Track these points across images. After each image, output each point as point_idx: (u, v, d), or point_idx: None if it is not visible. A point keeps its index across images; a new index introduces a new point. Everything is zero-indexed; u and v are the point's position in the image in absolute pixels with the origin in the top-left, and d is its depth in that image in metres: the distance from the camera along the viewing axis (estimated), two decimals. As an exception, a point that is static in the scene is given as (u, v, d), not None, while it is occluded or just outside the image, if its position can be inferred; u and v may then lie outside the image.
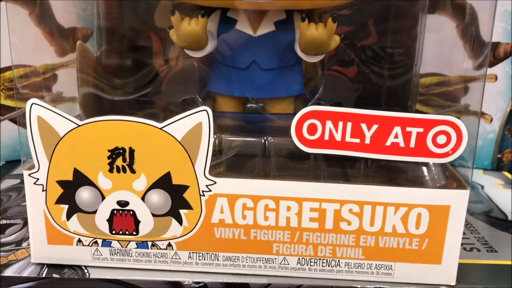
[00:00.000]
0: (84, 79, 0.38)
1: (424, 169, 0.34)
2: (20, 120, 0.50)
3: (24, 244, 0.37)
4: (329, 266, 0.33)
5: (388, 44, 0.52)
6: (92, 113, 0.40)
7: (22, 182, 0.47)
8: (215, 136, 0.34)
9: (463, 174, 0.35)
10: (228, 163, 0.33)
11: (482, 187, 0.51)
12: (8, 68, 0.51)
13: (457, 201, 0.31)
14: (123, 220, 0.32)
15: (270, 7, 0.37)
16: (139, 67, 0.49)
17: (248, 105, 0.45)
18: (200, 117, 0.30)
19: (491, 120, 0.55)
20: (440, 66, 0.52)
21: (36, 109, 0.30)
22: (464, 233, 0.42)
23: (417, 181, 0.33)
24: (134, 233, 0.33)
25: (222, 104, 0.43)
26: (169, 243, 0.34)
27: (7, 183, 0.46)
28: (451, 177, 0.33)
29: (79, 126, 0.31)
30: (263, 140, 0.35)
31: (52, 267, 0.35)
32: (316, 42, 0.37)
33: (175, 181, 0.31)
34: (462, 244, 0.36)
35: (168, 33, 0.43)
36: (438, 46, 0.51)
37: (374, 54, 0.52)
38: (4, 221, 0.38)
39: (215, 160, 0.32)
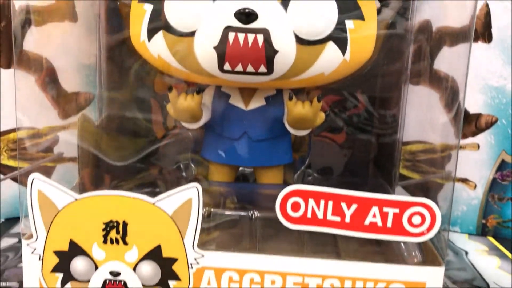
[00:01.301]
0: (84, 149, 0.40)
1: (402, 245, 0.36)
2: (21, 179, 0.52)
3: (19, 308, 0.38)
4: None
5: (375, 113, 0.54)
6: (91, 182, 0.42)
7: (20, 241, 0.49)
8: (205, 210, 0.36)
9: (440, 246, 0.37)
10: (216, 236, 0.35)
11: (467, 253, 0.53)
12: (12, 130, 0.53)
13: (432, 277, 0.33)
14: (115, 288, 0.34)
15: (261, 85, 0.40)
16: (138, 132, 0.51)
17: (240, 169, 0.48)
18: (190, 194, 0.32)
19: (475, 187, 0.57)
20: (426, 134, 0.54)
21: (37, 183, 0.32)
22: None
23: (394, 258, 0.35)
24: (125, 301, 0.35)
25: (215, 170, 0.45)
26: (159, 311, 0.35)
27: (6, 241, 0.47)
28: (427, 252, 0.35)
29: (76, 200, 0.33)
30: (250, 214, 0.37)
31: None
32: (302, 119, 0.40)
33: (165, 253, 0.33)
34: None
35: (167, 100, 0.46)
36: (424, 115, 0.54)
37: (361, 123, 0.55)
38: (1, 283, 0.39)
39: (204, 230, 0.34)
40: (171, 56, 0.38)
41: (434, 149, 0.53)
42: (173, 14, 0.36)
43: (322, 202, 0.32)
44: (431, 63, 0.51)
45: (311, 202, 0.32)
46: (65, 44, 0.49)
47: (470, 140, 0.56)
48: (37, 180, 0.32)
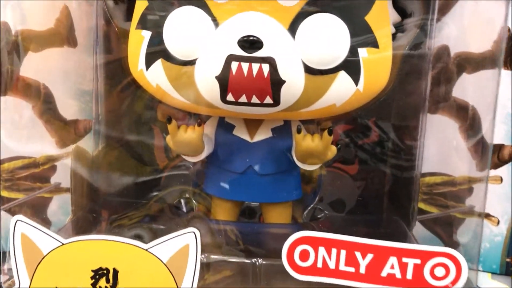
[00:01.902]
0: (78, 185, 0.38)
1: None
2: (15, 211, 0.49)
3: None
4: None
5: (390, 143, 0.51)
6: (84, 220, 0.39)
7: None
8: (203, 256, 0.33)
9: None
10: (216, 281, 0.32)
11: (490, 294, 0.49)
12: (8, 160, 0.51)
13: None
14: None
15: (267, 117, 0.37)
16: (139, 162, 0.48)
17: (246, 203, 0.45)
18: (187, 239, 0.29)
19: (498, 223, 0.53)
20: (443, 165, 0.51)
21: (21, 226, 0.30)
22: None
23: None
24: None
25: (218, 206, 0.42)
26: None
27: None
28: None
29: (63, 244, 0.30)
30: (254, 261, 0.34)
31: None
32: (311, 153, 0.37)
33: (160, 304, 0.30)
34: None
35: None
36: (442, 145, 0.50)
37: (375, 153, 0.51)
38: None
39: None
40: (170, 86, 0.35)
41: (454, 181, 0.50)
42: (172, 41, 0.34)
43: (334, 251, 0.28)
44: (450, 90, 0.48)
45: (322, 250, 0.29)
46: (64, 69, 0.47)
47: (492, 172, 0.53)
48: (20, 222, 0.29)
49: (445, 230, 0.52)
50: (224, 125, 0.40)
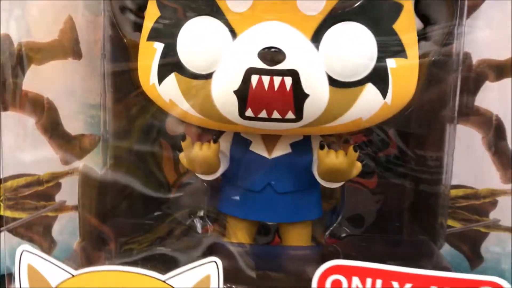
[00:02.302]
0: (86, 206, 0.35)
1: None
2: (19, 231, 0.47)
3: None
4: None
5: (411, 154, 0.49)
6: (93, 244, 0.37)
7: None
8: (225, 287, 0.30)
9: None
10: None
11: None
12: (11, 177, 0.48)
13: None
14: None
15: (288, 132, 0.35)
16: (148, 180, 0.46)
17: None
18: (208, 269, 0.27)
19: (524, 237, 0.51)
20: (466, 178, 0.48)
21: (27, 257, 0.27)
22: None
23: None
24: None
25: (234, 226, 0.40)
26: None
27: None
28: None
29: (73, 276, 0.27)
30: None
31: None
32: (336, 171, 0.34)
33: None
34: None
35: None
36: (463, 157, 0.48)
37: (395, 165, 0.49)
38: None
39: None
40: (184, 101, 0.33)
41: (477, 194, 0.48)
42: (187, 53, 0.32)
43: (369, 281, 0.26)
44: (472, 99, 0.46)
45: (356, 280, 0.26)
46: (69, 83, 0.44)
47: (517, 184, 0.50)
48: (27, 253, 0.27)
49: (468, 245, 0.50)
50: (240, 140, 0.37)
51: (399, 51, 0.32)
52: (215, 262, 0.27)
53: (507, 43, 0.44)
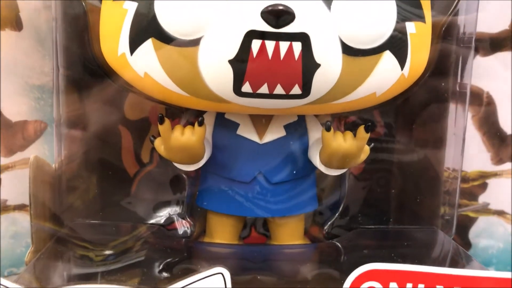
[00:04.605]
0: (38, 204, 0.29)
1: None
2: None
3: None
4: None
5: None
6: (49, 253, 0.30)
7: None
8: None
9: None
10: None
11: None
12: None
13: None
14: None
15: (286, 112, 0.29)
16: (106, 172, 0.39)
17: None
18: (214, 282, 0.21)
19: (515, 221, 0.49)
20: (452, 159, 0.45)
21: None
22: None
23: None
24: None
25: (216, 224, 0.34)
26: None
27: None
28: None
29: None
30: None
31: None
32: (343, 155, 0.29)
33: None
34: None
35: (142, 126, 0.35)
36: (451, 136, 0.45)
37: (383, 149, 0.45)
38: None
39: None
40: (164, 74, 0.27)
41: (465, 177, 0.45)
42: (168, 14, 0.26)
43: (409, 286, 0.21)
44: (460, 75, 0.42)
45: (393, 286, 0.22)
46: (7, 59, 0.37)
47: (507, 165, 0.48)
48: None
49: (457, 231, 0.47)
50: (225, 123, 0.32)
51: (419, 15, 0.27)
52: (222, 274, 0.21)
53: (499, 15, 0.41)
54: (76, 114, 0.37)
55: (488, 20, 0.41)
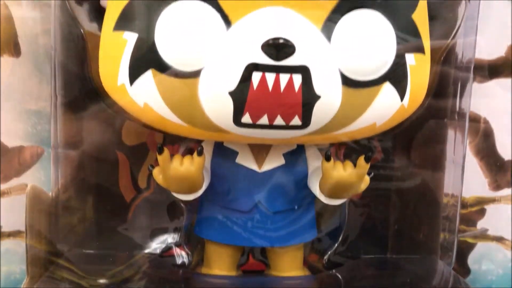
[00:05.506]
0: (34, 233, 0.28)
1: None
2: None
3: None
4: None
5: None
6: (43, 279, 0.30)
7: None
8: None
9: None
10: None
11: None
12: None
13: None
14: None
15: (286, 142, 0.29)
16: (103, 198, 0.39)
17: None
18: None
19: (513, 247, 0.49)
20: (451, 185, 0.45)
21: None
22: None
23: None
24: None
25: (215, 253, 0.34)
26: None
27: None
28: None
29: None
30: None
31: None
32: (343, 185, 0.29)
33: None
34: None
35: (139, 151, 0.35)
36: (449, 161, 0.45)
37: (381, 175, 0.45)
38: None
39: None
40: (164, 104, 0.27)
41: (464, 203, 0.45)
42: (168, 46, 0.26)
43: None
44: (459, 100, 0.43)
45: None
46: (5, 85, 0.37)
47: (505, 191, 0.48)
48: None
49: (456, 257, 0.47)
50: (224, 151, 0.32)
51: (418, 46, 0.28)
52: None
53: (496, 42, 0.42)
54: (74, 140, 0.37)
55: (485, 46, 0.42)
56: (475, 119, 0.44)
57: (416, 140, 0.39)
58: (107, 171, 0.40)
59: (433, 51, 0.31)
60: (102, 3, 0.32)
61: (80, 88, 0.34)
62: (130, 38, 0.26)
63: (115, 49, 0.27)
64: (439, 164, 0.39)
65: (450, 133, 0.38)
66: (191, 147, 0.35)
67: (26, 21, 0.37)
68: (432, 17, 0.32)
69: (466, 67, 0.36)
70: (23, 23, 0.37)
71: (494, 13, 0.41)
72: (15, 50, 0.37)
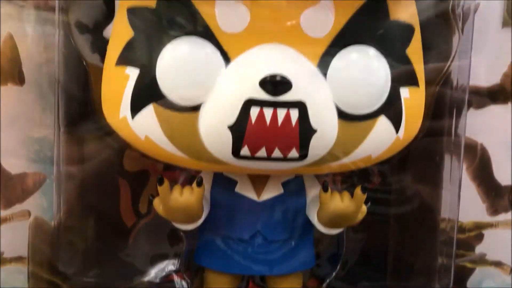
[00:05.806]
0: (36, 264, 0.29)
1: None
2: None
3: None
4: None
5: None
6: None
7: None
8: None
9: None
10: None
11: None
12: None
13: None
14: None
15: (285, 173, 0.30)
16: (104, 224, 0.39)
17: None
18: None
19: (511, 272, 0.49)
20: (448, 210, 0.46)
21: None
22: None
23: None
24: None
25: (214, 281, 0.34)
26: None
27: None
28: None
29: None
30: None
31: None
32: (341, 215, 0.30)
33: None
34: None
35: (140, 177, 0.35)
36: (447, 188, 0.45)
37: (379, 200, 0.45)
38: None
39: None
40: (164, 137, 0.27)
41: (461, 227, 0.45)
42: (169, 81, 0.26)
43: None
44: (455, 127, 0.43)
45: None
46: (9, 113, 0.38)
47: (503, 216, 0.48)
48: None
49: (454, 282, 0.47)
50: (223, 181, 0.32)
51: (413, 80, 0.28)
52: None
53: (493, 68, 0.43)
54: (76, 167, 0.38)
55: (481, 73, 0.42)
56: (471, 145, 0.44)
57: (412, 163, 0.40)
58: (108, 197, 0.40)
59: (427, 81, 0.31)
60: (105, 34, 0.32)
61: (82, 116, 0.35)
62: (132, 73, 0.27)
63: (118, 83, 0.28)
64: (436, 190, 0.39)
65: (447, 157, 0.39)
66: (192, 175, 0.35)
67: (31, 48, 0.38)
68: (426, 48, 0.33)
69: (461, 95, 0.37)
70: (27, 51, 0.38)
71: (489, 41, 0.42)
72: (19, 79, 0.38)
